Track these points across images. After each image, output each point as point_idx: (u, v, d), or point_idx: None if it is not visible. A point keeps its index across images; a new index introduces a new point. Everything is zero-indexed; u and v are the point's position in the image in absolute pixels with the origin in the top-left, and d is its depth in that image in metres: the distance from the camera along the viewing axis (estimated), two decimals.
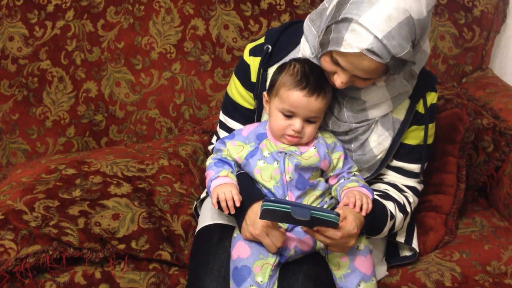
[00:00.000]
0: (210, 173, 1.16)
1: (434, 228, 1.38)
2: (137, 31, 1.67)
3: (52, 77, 1.67)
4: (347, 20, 1.01)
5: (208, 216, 1.25)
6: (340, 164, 1.17)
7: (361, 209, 1.10)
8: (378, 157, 1.21)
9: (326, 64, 1.10)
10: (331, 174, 1.18)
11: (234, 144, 1.18)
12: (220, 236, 1.18)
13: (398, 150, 1.24)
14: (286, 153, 1.14)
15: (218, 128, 1.31)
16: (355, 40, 1.01)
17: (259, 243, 1.10)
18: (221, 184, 1.12)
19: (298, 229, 1.12)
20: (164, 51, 1.69)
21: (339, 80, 1.09)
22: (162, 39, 1.69)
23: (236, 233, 1.15)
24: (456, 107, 1.37)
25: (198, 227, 1.26)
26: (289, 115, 1.12)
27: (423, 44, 1.09)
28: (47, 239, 1.21)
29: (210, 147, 1.34)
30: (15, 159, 1.68)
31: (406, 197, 1.25)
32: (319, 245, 1.13)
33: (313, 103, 1.11)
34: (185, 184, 1.40)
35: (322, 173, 1.18)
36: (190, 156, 1.48)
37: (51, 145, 1.69)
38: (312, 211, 1.01)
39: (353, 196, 1.10)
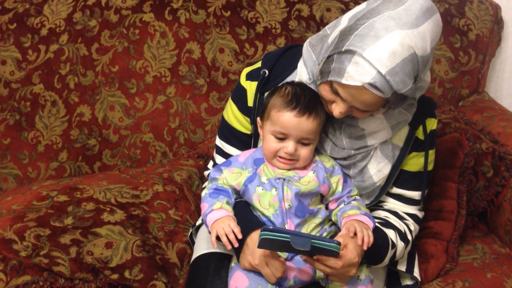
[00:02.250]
0: (204, 206, 1.14)
1: (435, 255, 1.35)
2: (131, 55, 1.66)
3: (45, 101, 1.65)
4: (351, 52, 1.00)
5: (203, 244, 1.22)
6: (340, 188, 1.14)
7: (362, 241, 1.07)
8: (378, 184, 1.19)
9: (325, 92, 1.08)
10: (331, 198, 1.15)
11: (232, 171, 1.15)
12: (216, 266, 1.14)
13: (398, 177, 1.22)
14: (284, 179, 1.11)
15: (214, 154, 1.29)
16: (357, 73, 1.00)
17: (258, 273, 1.07)
18: (218, 220, 1.09)
19: (298, 258, 1.09)
20: (159, 74, 1.67)
21: (337, 110, 1.07)
22: (157, 62, 1.67)
23: (233, 263, 1.12)
24: (456, 132, 1.36)
25: (194, 256, 1.22)
26: (282, 138, 1.10)
27: (424, 76, 1.08)
28: (38, 269, 1.17)
29: (206, 173, 1.32)
30: (5, 185, 1.65)
31: (407, 225, 1.23)
32: (319, 274, 1.10)
33: (304, 124, 1.09)
34: (180, 210, 1.37)
35: (322, 198, 1.15)
36: (185, 182, 1.45)
37: (43, 170, 1.65)
38: (313, 240, 0.98)
39: (353, 228, 1.07)
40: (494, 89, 1.98)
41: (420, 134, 1.20)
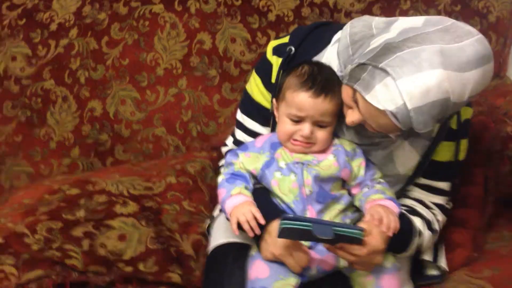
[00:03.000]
0: (221, 192, 1.09)
1: (462, 244, 1.29)
2: (142, 47, 1.63)
3: (56, 96, 1.63)
4: (386, 72, 0.93)
5: (221, 234, 1.17)
6: (362, 172, 1.09)
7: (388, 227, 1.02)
8: (401, 175, 1.13)
9: (346, 96, 1.03)
10: (353, 183, 1.10)
11: (249, 156, 1.11)
12: (235, 255, 1.10)
13: (426, 167, 1.15)
14: (303, 164, 1.06)
15: (235, 129, 1.24)
16: (383, 96, 0.93)
17: (279, 262, 1.03)
18: (237, 205, 1.04)
19: (320, 247, 1.04)
20: (170, 67, 1.64)
21: (350, 117, 1.02)
22: (168, 54, 1.64)
23: (254, 252, 1.08)
24: (481, 115, 1.30)
25: (211, 247, 1.18)
26: (297, 120, 1.06)
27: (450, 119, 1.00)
28: (50, 263, 1.14)
29: (223, 149, 1.27)
30: (18, 182, 1.63)
31: (434, 215, 1.18)
32: (342, 263, 1.05)
33: (320, 105, 1.04)
34: (194, 201, 1.33)
35: (344, 183, 1.11)
36: (199, 173, 1.41)
37: (56, 167, 1.63)
38: (335, 228, 0.94)
39: (377, 214, 1.02)
40: None
41: (454, 123, 1.14)
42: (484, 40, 0.95)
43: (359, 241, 0.97)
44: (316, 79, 1.04)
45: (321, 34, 1.14)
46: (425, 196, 1.18)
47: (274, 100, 1.12)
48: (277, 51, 1.15)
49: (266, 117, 1.17)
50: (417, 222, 1.13)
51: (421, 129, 0.94)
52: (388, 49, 0.94)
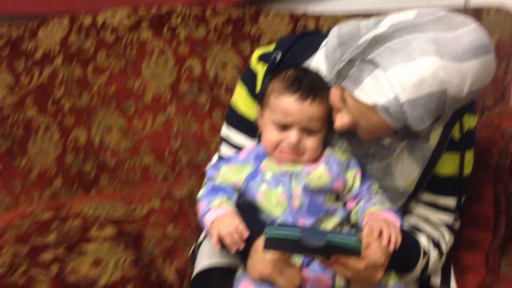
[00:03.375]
0: (201, 206, 0.99)
1: (473, 267, 1.19)
2: (129, 75, 1.58)
3: (38, 125, 1.56)
4: (374, 64, 0.85)
5: (205, 258, 1.07)
6: (357, 183, 1.00)
7: (389, 241, 0.91)
8: (401, 189, 1.04)
9: (334, 97, 0.95)
10: (348, 196, 1.00)
11: (231, 168, 1.02)
12: (220, 279, 0.99)
13: (429, 181, 1.06)
14: (291, 174, 0.97)
15: (220, 146, 1.16)
16: (373, 90, 0.85)
17: (268, 282, 0.92)
18: (218, 218, 0.94)
19: (315, 265, 0.93)
20: (158, 94, 1.58)
21: (340, 121, 0.94)
22: (156, 81, 1.59)
23: (240, 272, 0.97)
24: (487, 129, 1.21)
25: (195, 272, 1.07)
26: (283, 127, 0.97)
27: (448, 116, 0.91)
28: None
29: (207, 168, 1.18)
30: None
31: (442, 233, 1.07)
32: (339, 284, 0.93)
33: (307, 109, 0.96)
34: (179, 227, 1.23)
35: (338, 197, 1.01)
36: (186, 198, 1.32)
37: (36, 199, 1.54)
38: (327, 236, 0.83)
39: (376, 226, 0.92)
40: None
41: (456, 132, 1.05)
42: (481, 30, 0.87)
43: (356, 253, 0.86)
44: (302, 82, 0.97)
45: (309, 42, 1.08)
46: (430, 213, 1.08)
47: (258, 107, 1.04)
48: (262, 59, 1.09)
49: (252, 130, 1.09)
50: (423, 239, 1.03)
51: (417, 125, 0.85)
52: (376, 41, 0.87)
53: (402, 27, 0.86)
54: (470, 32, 0.85)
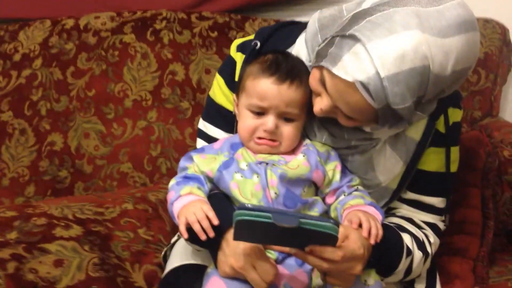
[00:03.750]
0: (170, 195, 0.93)
1: (461, 275, 1.12)
2: (110, 78, 1.53)
3: (13, 129, 1.50)
4: (354, 39, 0.81)
5: (177, 259, 1.00)
6: (337, 176, 0.93)
7: (369, 234, 0.85)
8: (384, 184, 0.98)
9: (313, 80, 0.90)
10: (328, 190, 0.94)
11: (204, 157, 0.95)
12: (189, 277, 0.92)
13: (414, 178, 1.00)
14: (267, 163, 0.91)
15: (197, 139, 1.10)
16: (352, 66, 0.81)
17: (240, 279, 0.84)
18: (187, 204, 0.87)
19: (290, 261, 0.86)
20: (139, 98, 1.53)
21: (318, 105, 0.89)
22: (138, 85, 1.54)
23: (210, 268, 0.89)
24: (474, 130, 1.16)
25: (165, 272, 0.99)
26: (259, 112, 0.92)
27: (430, 102, 0.86)
28: None
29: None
30: None
31: (426, 235, 1.00)
32: (316, 281, 0.86)
33: (285, 92, 0.90)
34: (152, 230, 1.16)
35: (317, 190, 0.94)
36: (161, 202, 1.25)
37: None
38: (301, 218, 0.76)
39: (356, 218, 0.85)
40: (509, 116, 1.81)
41: (441, 126, 1.00)
42: (465, 5, 0.83)
43: (332, 239, 0.79)
44: (280, 65, 0.92)
45: (289, 32, 1.04)
46: (414, 213, 1.02)
47: (234, 96, 0.99)
48: (241, 48, 1.05)
49: (230, 122, 1.03)
50: (406, 238, 0.96)
51: (397, 103, 0.80)
52: (356, 17, 0.83)
53: (385, 1, 0.82)
54: (454, 7, 0.81)
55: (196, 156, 0.97)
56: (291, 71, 0.92)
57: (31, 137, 1.49)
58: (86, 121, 1.51)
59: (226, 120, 1.04)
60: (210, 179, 0.95)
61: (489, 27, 1.69)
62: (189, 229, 0.85)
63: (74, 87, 1.52)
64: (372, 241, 0.85)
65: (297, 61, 0.96)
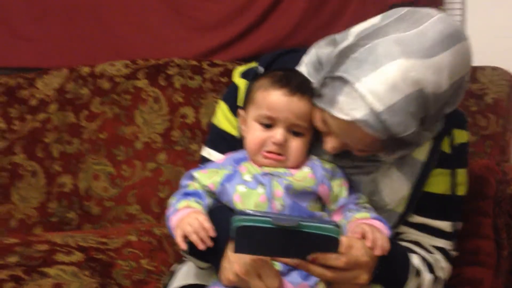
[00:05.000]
0: (168, 211, 0.92)
1: None
2: (122, 121, 1.55)
3: (24, 171, 1.51)
4: (342, 80, 0.83)
5: (180, 280, 0.96)
6: (344, 193, 0.91)
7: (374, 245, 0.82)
8: (389, 207, 0.96)
9: (317, 120, 0.92)
10: (334, 207, 0.92)
11: (206, 171, 0.94)
12: None
13: (420, 201, 0.98)
14: (273, 175, 0.89)
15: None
16: (348, 107, 0.82)
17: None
18: (183, 216, 0.86)
19: (295, 274, 0.83)
20: (149, 140, 1.55)
21: (329, 144, 0.91)
22: (148, 128, 1.56)
23: (212, 281, 0.85)
24: (482, 158, 1.14)
25: None
26: (269, 124, 0.91)
27: (438, 118, 0.88)
28: None
29: None
30: None
31: (437, 260, 0.96)
32: None
33: (296, 105, 0.90)
34: (155, 261, 1.13)
35: (323, 207, 0.91)
36: (166, 236, 1.22)
37: None
38: (301, 220, 0.74)
39: (360, 228, 0.83)
40: None
41: (446, 146, 0.99)
42: (447, 18, 0.84)
43: (335, 245, 0.75)
44: (290, 78, 0.93)
45: (291, 60, 1.06)
46: (423, 238, 0.99)
47: (241, 111, 0.99)
48: (245, 74, 1.07)
49: (233, 148, 1.03)
50: (415, 259, 0.92)
51: (401, 132, 0.80)
52: (340, 56, 0.84)
53: (365, 34, 0.84)
54: (434, 24, 0.82)
55: (197, 172, 0.96)
56: (301, 85, 0.93)
57: (41, 178, 1.50)
58: (96, 162, 1.52)
59: (230, 146, 1.04)
60: (211, 194, 0.93)
61: (496, 74, 1.70)
62: (189, 242, 0.83)
63: (86, 130, 1.55)
64: (377, 252, 0.82)
65: (306, 79, 0.97)
